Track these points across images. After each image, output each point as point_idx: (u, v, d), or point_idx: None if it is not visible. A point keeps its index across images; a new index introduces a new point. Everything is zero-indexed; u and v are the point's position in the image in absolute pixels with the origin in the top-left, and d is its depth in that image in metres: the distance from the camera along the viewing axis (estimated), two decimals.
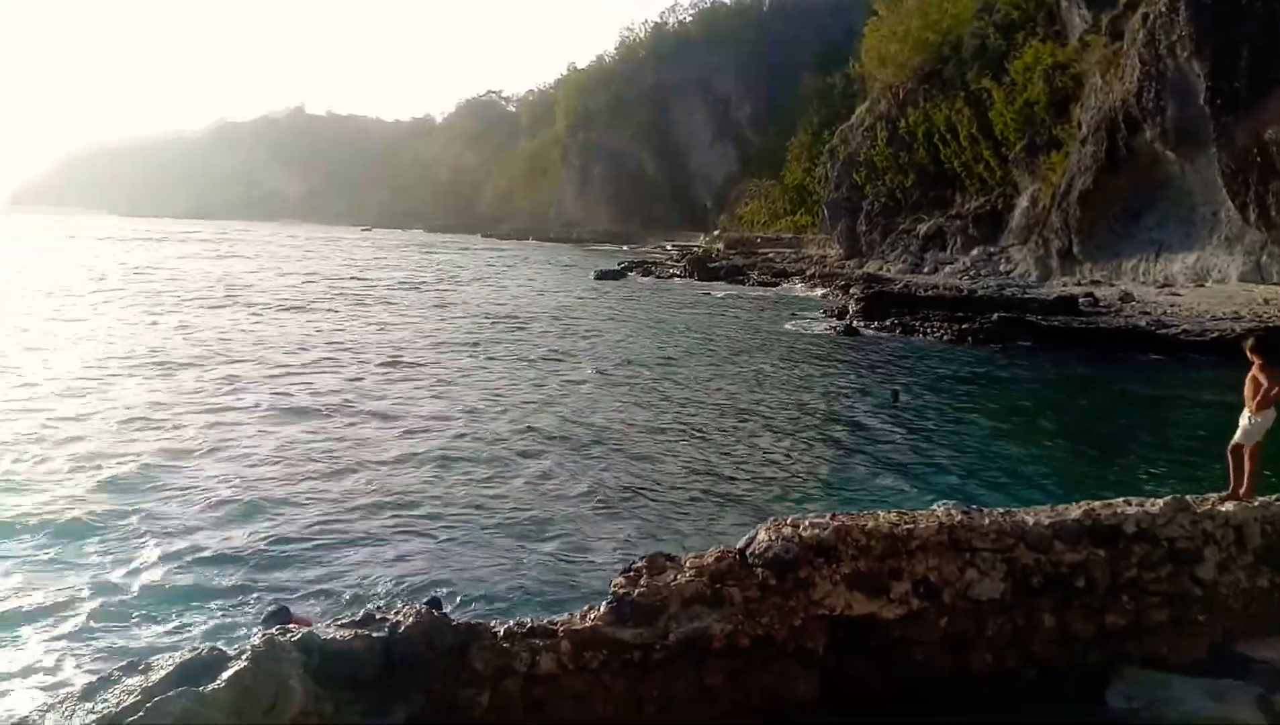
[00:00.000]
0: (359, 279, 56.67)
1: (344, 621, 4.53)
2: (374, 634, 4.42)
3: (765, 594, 5.42)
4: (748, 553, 5.67)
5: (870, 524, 5.77)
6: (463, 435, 15.91)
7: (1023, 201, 52.49)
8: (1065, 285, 42.66)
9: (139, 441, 14.75)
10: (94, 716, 3.41)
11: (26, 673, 6.67)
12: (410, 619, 4.55)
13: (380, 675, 4.33)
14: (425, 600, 6.29)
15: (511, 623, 4.99)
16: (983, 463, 15.53)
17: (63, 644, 7.30)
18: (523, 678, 4.70)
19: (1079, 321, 32.18)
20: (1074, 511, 6.05)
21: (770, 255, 79.91)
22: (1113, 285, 40.49)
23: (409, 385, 21.12)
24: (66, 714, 3.45)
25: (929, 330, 32.93)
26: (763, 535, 5.80)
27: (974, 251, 54.95)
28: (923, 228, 60.76)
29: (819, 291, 53.65)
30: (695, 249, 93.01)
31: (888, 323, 34.61)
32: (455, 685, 4.54)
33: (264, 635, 3.83)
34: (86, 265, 59.43)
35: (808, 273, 61.28)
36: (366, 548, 10.19)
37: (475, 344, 28.63)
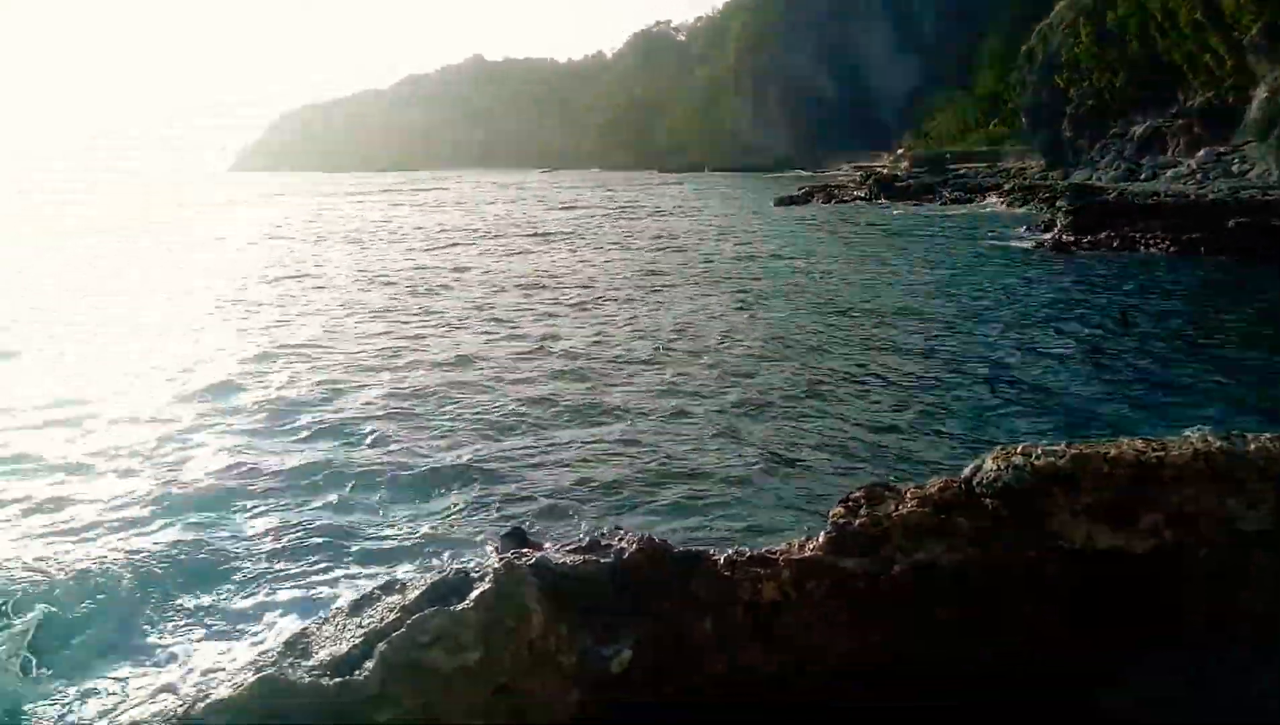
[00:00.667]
0: (564, 216, 58.25)
1: (571, 546, 4.67)
2: (601, 560, 4.54)
3: (996, 525, 5.13)
4: (974, 482, 5.37)
5: (1113, 452, 5.30)
6: (654, 363, 16.17)
7: (1260, 93, 46.39)
8: None
9: (404, 363, 16.14)
10: (361, 630, 3.69)
11: (297, 589, 7.42)
12: (634, 546, 4.63)
13: (608, 600, 4.44)
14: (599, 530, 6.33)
15: (731, 551, 4.99)
16: (1236, 386, 14.06)
17: (325, 564, 8.03)
18: (745, 606, 4.70)
19: None
20: None
21: (962, 171, 75.30)
22: None
23: (605, 318, 21.62)
24: (338, 628, 3.76)
25: (1152, 242, 30.00)
26: (990, 464, 5.46)
27: (1200, 153, 49.38)
28: (1137, 130, 55.18)
29: (1020, 208, 50.02)
30: (879, 170, 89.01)
31: (1103, 236, 31.83)
32: (679, 612, 4.60)
33: (504, 559, 3.99)
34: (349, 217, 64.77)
35: (1006, 187, 57.19)
36: (581, 472, 10.56)
37: (653, 274, 28.88)
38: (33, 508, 9.67)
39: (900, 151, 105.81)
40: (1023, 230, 37.24)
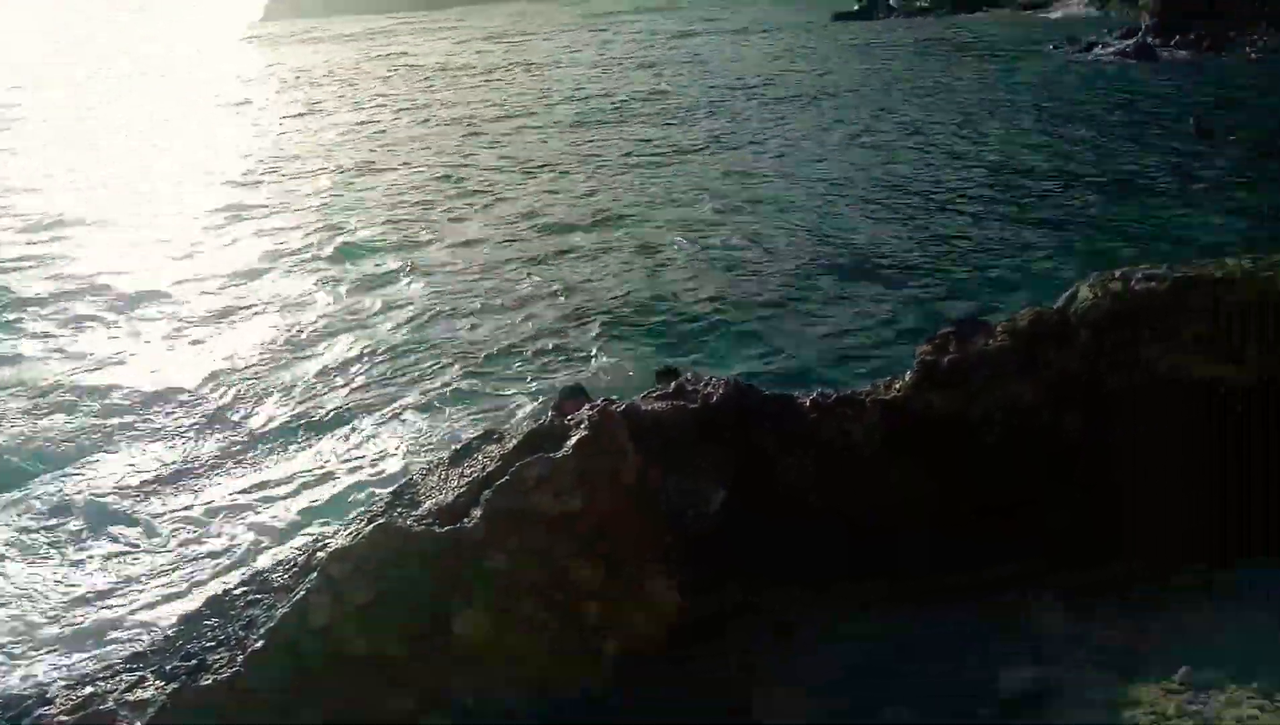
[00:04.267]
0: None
1: (658, 393, 4.68)
2: (689, 405, 4.55)
3: (1087, 357, 4.98)
4: (1069, 312, 5.19)
5: (1219, 273, 5.04)
6: (716, 207, 15.80)
7: None
8: None
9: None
10: (465, 480, 3.80)
11: (402, 440, 7.69)
12: (721, 390, 4.62)
13: (698, 444, 4.47)
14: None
15: (817, 392, 4.95)
16: None
17: (424, 417, 8.29)
18: (832, 446, 4.70)
19: None
20: None
21: None
22: None
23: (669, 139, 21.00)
24: (442, 477, 3.87)
25: (1252, 43, 27.67)
26: (1085, 292, 5.24)
27: None
28: None
29: (1098, 9, 46.29)
30: None
31: (1191, 38, 29.41)
32: (768, 455, 4.62)
33: (597, 407, 4.01)
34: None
35: None
36: (654, 325, 10.55)
37: (695, 108, 27.65)
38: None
39: None
40: (1105, 33, 34.58)
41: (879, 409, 4.80)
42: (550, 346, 9.91)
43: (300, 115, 34.49)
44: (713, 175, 18.39)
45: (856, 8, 66.76)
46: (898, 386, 4.97)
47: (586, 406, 4.31)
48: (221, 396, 8.93)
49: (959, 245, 12.39)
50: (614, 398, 4.38)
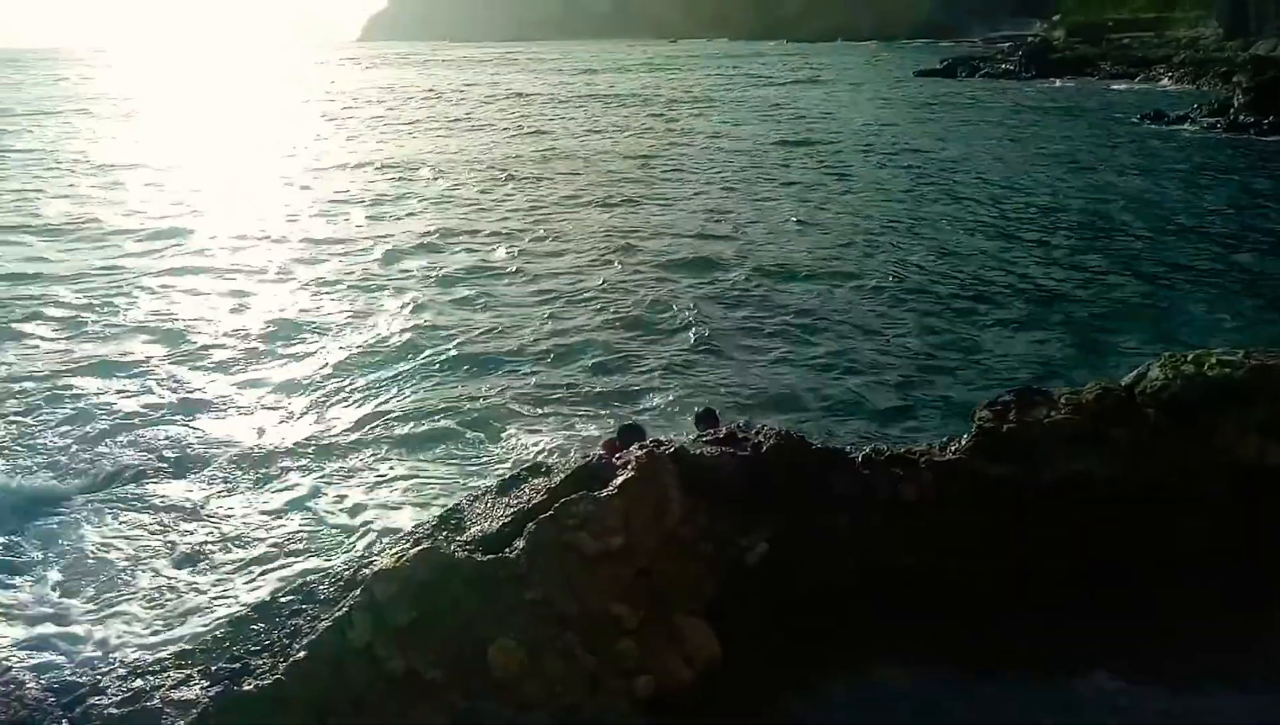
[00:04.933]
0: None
1: (709, 438, 4.68)
2: (738, 453, 4.54)
3: (1156, 437, 4.85)
4: (1136, 390, 5.07)
5: None
6: (797, 252, 15.81)
7: None
8: None
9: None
10: (510, 510, 3.85)
11: (450, 470, 7.77)
12: (772, 440, 4.60)
13: (746, 492, 4.46)
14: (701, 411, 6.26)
15: (869, 449, 4.91)
16: None
17: (476, 444, 8.34)
18: (883, 504, 4.64)
19: None
20: None
21: (1125, 41, 68.60)
22: None
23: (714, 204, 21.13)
24: (488, 505, 3.93)
25: None
26: (1156, 372, 5.13)
27: None
28: None
29: (1191, 84, 45.40)
30: (1030, 39, 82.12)
31: None
32: (815, 508, 4.58)
33: (646, 448, 4.03)
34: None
35: (1175, 60, 51.90)
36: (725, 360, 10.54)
37: (786, 166, 27.76)
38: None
39: (1056, 19, 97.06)
40: (1194, 108, 33.84)
41: (934, 470, 4.73)
42: (611, 379, 9.95)
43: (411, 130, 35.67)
44: (799, 216, 18.47)
45: (940, 65, 66.83)
46: (954, 448, 4.90)
47: (636, 446, 4.33)
48: (281, 412, 9.13)
49: (1026, 318, 12.18)
50: (662, 440, 4.39)
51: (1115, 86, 49.77)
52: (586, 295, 13.53)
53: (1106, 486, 4.72)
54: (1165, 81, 48.61)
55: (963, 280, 13.88)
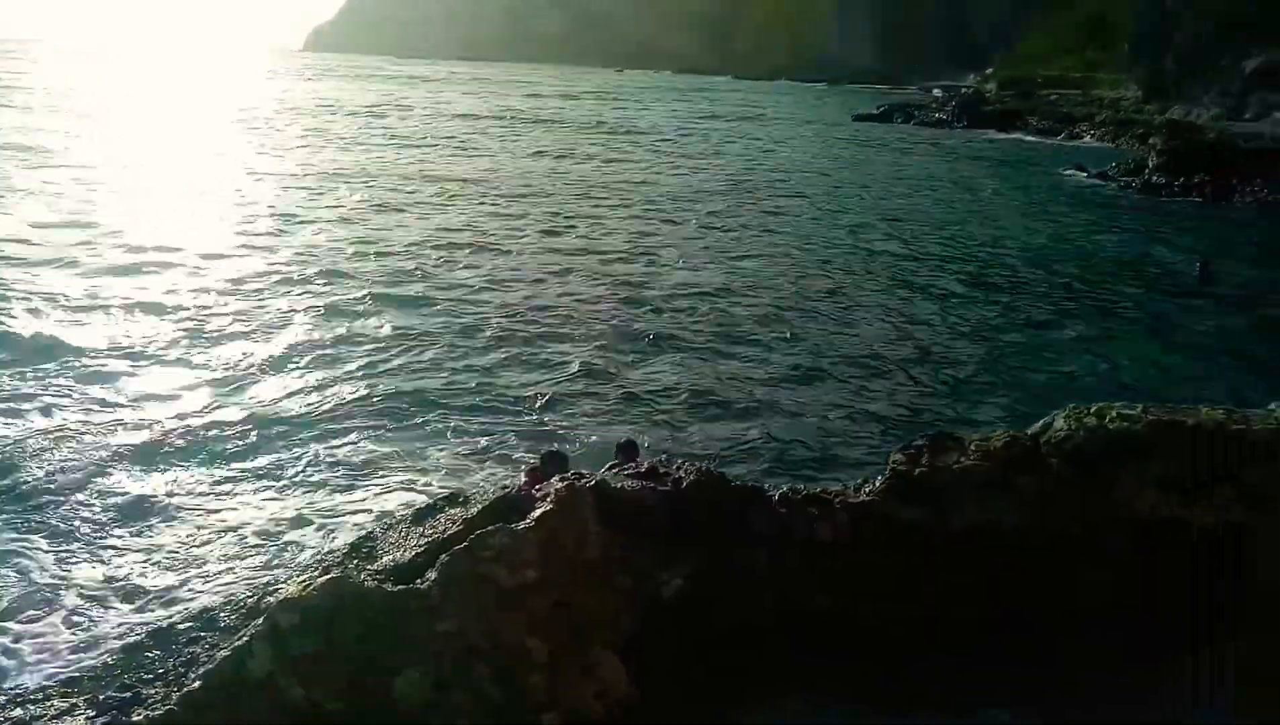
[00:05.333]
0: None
1: (630, 472, 4.70)
2: (659, 488, 4.57)
3: (1060, 488, 5.04)
4: (1042, 441, 5.26)
5: (1191, 420, 5.13)
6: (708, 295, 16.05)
7: None
8: None
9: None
10: (424, 540, 3.80)
11: (363, 497, 7.61)
12: (693, 476, 4.65)
13: (665, 527, 4.48)
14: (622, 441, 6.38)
15: (787, 488, 4.99)
16: None
17: (394, 472, 8.19)
18: (799, 545, 4.72)
19: None
20: None
21: (1052, 97, 71.64)
22: None
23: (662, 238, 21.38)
24: (402, 535, 3.88)
25: (1252, 191, 28.39)
26: (1060, 423, 5.33)
27: None
28: (1250, 64, 51.59)
29: (1111, 142, 47.64)
30: (964, 90, 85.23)
31: (1195, 181, 30.22)
32: (735, 544, 4.63)
33: (566, 481, 4.03)
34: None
35: (1098, 119, 54.39)
36: (642, 401, 10.57)
37: (704, 198, 28.19)
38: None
39: (989, 72, 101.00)
40: (1111, 167, 35.54)
41: (849, 511, 4.83)
42: (536, 407, 9.92)
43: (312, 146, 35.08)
44: (723, 251, 18.76)
45: (877, 110, 68.91)
46: (868, 491, 5.02)
47: (558, 477, 4.33)
48: (188, 430, 8.81)
49: (942, 347, 12.61)
50: (583, 472, 4.40)
51: (1041, 141, 51.89)
52: (508, 319, 13.52)
53: (1014, 535, 4.88)
54: (1088, 138, 50.86)
55: (873, 326, 14.26)
